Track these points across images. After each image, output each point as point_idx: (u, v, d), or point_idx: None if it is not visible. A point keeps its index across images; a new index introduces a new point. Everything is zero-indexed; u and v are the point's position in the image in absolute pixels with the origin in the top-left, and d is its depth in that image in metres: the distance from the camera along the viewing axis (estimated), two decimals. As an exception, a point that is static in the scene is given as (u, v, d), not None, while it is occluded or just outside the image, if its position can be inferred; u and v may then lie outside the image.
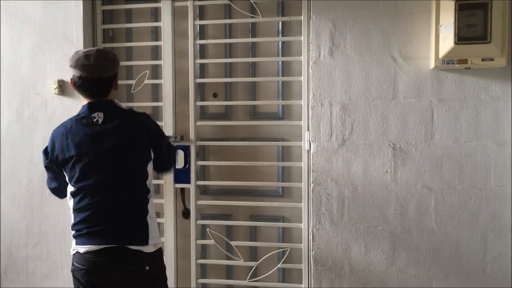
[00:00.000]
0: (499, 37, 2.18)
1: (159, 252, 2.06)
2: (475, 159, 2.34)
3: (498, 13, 2.17)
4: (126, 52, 2.83)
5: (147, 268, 1.96)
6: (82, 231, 1.95)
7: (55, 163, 2.03)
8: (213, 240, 2.68)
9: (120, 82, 2.19)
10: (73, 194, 1.99)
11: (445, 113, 2.35)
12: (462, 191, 2.35)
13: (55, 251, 2.76)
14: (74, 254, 1.99)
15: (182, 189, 2.72)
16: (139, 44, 2.77)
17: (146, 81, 2.72)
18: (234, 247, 2.66)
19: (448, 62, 2.25)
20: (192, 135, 2.63)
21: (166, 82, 2.66)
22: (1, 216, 2.83)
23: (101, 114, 1.99)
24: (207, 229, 2.70)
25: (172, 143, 2.61)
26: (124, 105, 2.69)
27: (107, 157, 1.96)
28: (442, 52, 2.24)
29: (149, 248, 1.98)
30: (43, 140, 2.72)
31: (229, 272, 2.78)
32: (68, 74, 2.64)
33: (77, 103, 2.68)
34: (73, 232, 1.99)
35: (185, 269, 2.71)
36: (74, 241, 1.99)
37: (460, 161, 2.35)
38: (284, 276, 2.71)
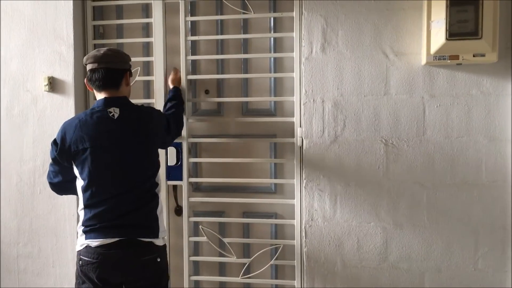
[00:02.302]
0: (490, 32, 2.18)
1: (165, 246, 2.13)
2: (467, 155, 2.35)
3: (489, 9, 2.17)
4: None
5: (159, 260, 2.02)
6: (95, 226, 1.97)
7: (66, 154, 2.02)
8: (205, 237, 2.68)
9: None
10: (85, 188, 2.00)
11: (437, 109, 2.36)
12: (453, 186, 2.36)
13: (46, 249, 2.74)
14: (82, 249, 1.99)
15: (175, 186, 2.71)
16: (130, 40, 2.75)
17: (138, 78, 2.70)
18: (227, 244, 2.66)
19: (439, 58, 2.25)
20: (184, 132, 2.62)
21: (158, 78, 2.65)
22: (-8, 214, 2.81)
23: (117, 110, 2.03)
24: (200, 226, 2.69)
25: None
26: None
27: (122, 152, 2.00)
28: (434, 48, 2.25)
29: (159, 241, 2.04)
30: (34, 137, 2.70)
31: (222, 269, 2.77)
32: (59, 71, 2.67)
33: (67, 100, 2.66)
34: (83, 227, 2.00)
35: (178, 266, 2.70)
36: (83, 236, 2.00)
37: (452, 157, 2.36)
38: (277, 273, 2.71)
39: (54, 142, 2.07)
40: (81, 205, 2.04)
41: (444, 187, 2.37)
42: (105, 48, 2.11)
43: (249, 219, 2.68)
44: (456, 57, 2.23)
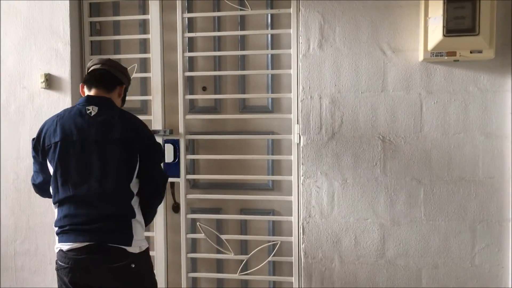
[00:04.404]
0: (488, 29, 2.19)
1: (146, 253, 2.01)
2: (464, 151, 2.35)
3: (486, 5, 2.18)
4: (114, 45, 2.80)
5: (133, 266, 1.92)
6: (65, 227, 1.91)
7: (41, 148, 1.99)
8: (203, 234, 2.68)
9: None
10: (52, 182, 1.96)
11: (434, 105, 2.36)
12: (450, 183, 2.37)
13: (43, 246, 2.74)
14: (57, 253, 1.95)
15: (172, 183, 2.71)
16: (127, 37, 2.74)
17: (135, 75, 2.69)
18: (225, 240, 2.66)
19: (437, 55, 2.25)
20: (181, 129, 2.62)
21: (155, 75, 2.64)
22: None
23: (95, 108, 1.98)
24: (197, 223, 2.69)
25: (161, 137, 2.60)
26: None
27: (92, 149, 1.93)
28: (431, 45, 2.25)
29: (133, 249, 1.93)
30: (30, 134, 2.68)
31: (220, 265, 2.77)
32: (55, 68, 2.66)
33: (64, 97, 2.65)
34: (56, 229, 1.96)
35: (176, 263, 2.70)
36: (57, 239, 1.95)
37: (449, 153, 2.36)
38: (274, 269, 2.72)
39: (33, 139, 2.04)
40: (52, 200, 1.99)
41: (441, 183, 2.37)
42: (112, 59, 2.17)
43: (247, 216, 2.69)
44: (453, 53, 2.23)
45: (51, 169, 1.98)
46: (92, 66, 2.11)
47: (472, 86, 2.33)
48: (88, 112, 1.97)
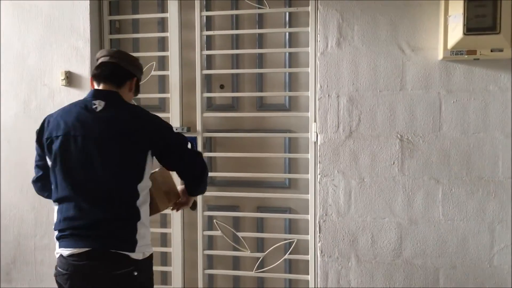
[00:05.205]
0: (508, 27, 2.16)
1: (149, 259, 1.89)
2: (483, 151, 2.33)
3: (507, 3, 2.15)
4: (133, 43, 2.83)
5: (136, 273, 1.80)
6: (64, 232, 1.81)
7: (42, 140, 1.89)
8: (220, 231, 2.69)
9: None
10: (53, 179, 1.86)
11: (453, 104, 2.34)
12: (469, 182, 2.35)
13: (63, 241, 2.77)
14: (57, 258, 1.85)
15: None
16: (145, 35, 2.77)
17: (153, 73, 2.72)
18: (241, 238, 2.67)
19: (456, 53, 2.23)
20: (199, 127, 2.64)
21: (173, 73, 2.66)
22: (9, 207, 2.84)
23: (102, 103, 1.85)
24: (214, 220, 2.71)
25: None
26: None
27: (95, 146, 1.80)
28: (451, 43, 2.23)
29: (137, 255, 1.81)
30: (51, 131, 2.73)
31: (236, 263, 2.79)
32: (75, 65, 2.70)
33: (84, 94, 2.63)
34: (56, 233, 1.85)
35: (192, 259, 2.73)
36: (57, 244, 1.84)
37: (468, 153, 2.34)
38: (290, 267, 2.72)
39: (37, 130, 1.94)
40: (52, 197, 1.90)
41: (460, 183, 2.35)
42: (121, 50, 2.04)
43: (263, 214, 2.69)
44: (473, 52, 2.21)
45: (49, 163, 1.87)
46: (100, 57, 1.97)
47: (492, 85, 2.31)
48: (94, 106, 1.84)
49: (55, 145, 1.84)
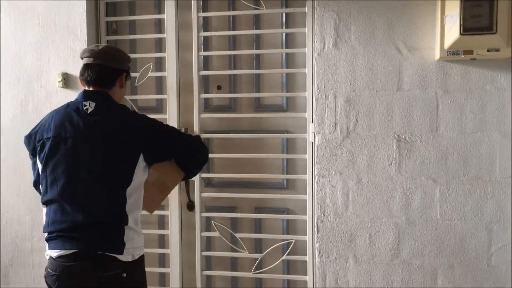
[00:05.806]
0: (505, 27, 2.17)
1: (139, 261, 1.89)
2: (480, 151, 2.33)
3: (503, 3, 2.16)
4: (130, 45, 2.82)
5: (124, 275, 1.80)
6: (52, 234, 1.82)
7: (32, 143, 1.91)
8: (217, 232, 2.69)
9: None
10: (43, 182, 1.86)
11: (450, 104, 2.35)
12: (467, 182, 2.35)
13: (60, 243, 2.77)
14: (48, 259, 1.87)
15: (187, 181, 2.72)
16: (142, 36, 2.76)
17: (150, 74, 2.72)
18: (239, 239, 2.67)
19: (453, 53, 2.24)
20: (196, 128, 2.63)
21: (170, 74, 2.66)
22: (7, 209, 2.84)
23: (92, 104, 1.85)
24: (212, 221, 2.70)
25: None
26: (128, 98, 2.71)
27: (84, 149, 1.81)
28: (448, 43, 2.23)
29: (125, 257, 1.81)
30: (48, 133, 2.72)
31: (234, 264, 2.78)
32: (72, 67, 2.69)
33: (81, 96, 2.68)
34: (45, 235, 1.86)
35: (190, 261, 2.72)
36: (47, 245, 1.87)
37: (465, 153, 2.35)
38: (288, 268, 2.72)
39: (26, 135, 1.96)
40: (40, 199, 1.91)
41: (457, 183, 2.36)
42: (104, 45, 1.97)
43: (261, 215, 2.69)
44: (470, 52, 2.21)
45: (39, 166, 1.89)
46: (84, 58, 1.93)
47: (489, 85, 2.31)
48: (85, 108, 1.84)
49: (45, 147, 1.85)
